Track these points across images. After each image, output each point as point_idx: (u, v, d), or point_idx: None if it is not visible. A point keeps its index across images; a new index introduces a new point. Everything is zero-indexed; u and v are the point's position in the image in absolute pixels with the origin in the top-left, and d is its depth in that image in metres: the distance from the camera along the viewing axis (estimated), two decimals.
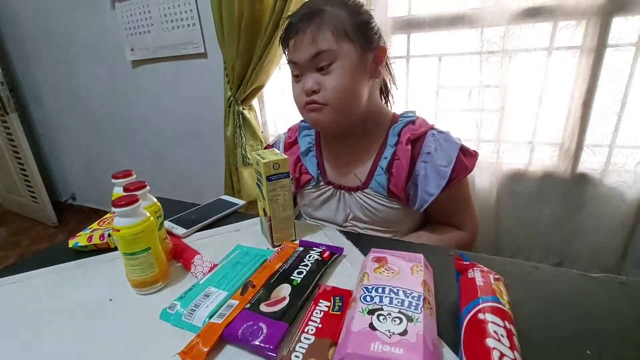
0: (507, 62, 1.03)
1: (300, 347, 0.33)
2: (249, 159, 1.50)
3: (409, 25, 1.16)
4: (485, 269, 0.40)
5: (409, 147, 0.63)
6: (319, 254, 0.49)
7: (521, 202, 1.18)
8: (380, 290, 0.36)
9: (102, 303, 0.45)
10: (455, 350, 0.34)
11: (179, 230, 0.61)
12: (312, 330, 0.35)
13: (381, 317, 0.32)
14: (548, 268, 0.47)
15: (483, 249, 1.24)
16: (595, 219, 1.09)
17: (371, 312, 0.33)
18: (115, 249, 0.57)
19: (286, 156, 0.52)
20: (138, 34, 1.65)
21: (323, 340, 0.34)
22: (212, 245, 0.57)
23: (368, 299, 0.35)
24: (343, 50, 0.58)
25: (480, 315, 0.33)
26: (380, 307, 0.34)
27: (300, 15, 0.59)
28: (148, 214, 0.44)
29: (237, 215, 0.69)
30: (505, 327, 0.31)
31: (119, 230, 0.42)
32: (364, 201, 0.66)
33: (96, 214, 2.30)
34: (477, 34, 1.05)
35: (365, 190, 0.67)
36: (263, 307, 0.39)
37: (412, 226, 0.71)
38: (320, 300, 0.39)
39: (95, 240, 0.56)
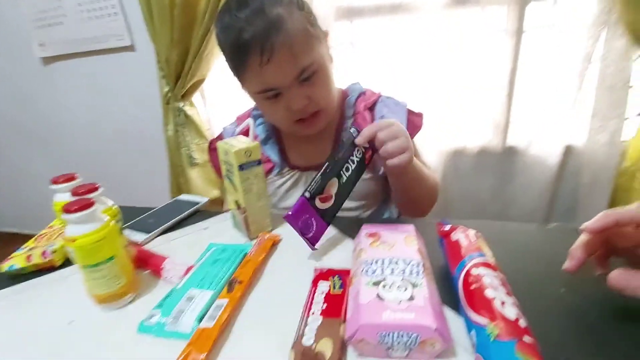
0: (444, 46, 1.11)
1: (309, 330, 0.32)
2: (195, 158, 1.41)
3: (350, 13, 1.18)
4: (466, 229, 0.42)
5: (367, 112, 0.67)
6: (362, 153, 0.50)
7: (464, 177, 1.28)
8: (380, 262, 0.36)
9: (61, 328, 0.38)
10: (454, 307, 0.35)
11: (139, 237, 0.54)
12: (318, 312, 0.34)
13: (386, 287, 0.32)
14: (512, 224, 0.52)
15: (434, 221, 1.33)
16: (526, 185, 1.23)
17: (376, 284, 0.33)
18: (62, 266, 0.50)
19: (257, 142, 0.49)
20: (47, 26, 1.44)
21: (331, 319, 0.33)
22: (179, 248, 0.52)
23: (370, 272, 0.35)
24: (318, 53, 0.56)
25: (474, 271, 0.34)
26: (383, 278, 0.34)
27: (253, 37, 0.50)
28: (108, 217, 0.39)
29: (201, 214, 0.64)
30: (498, 277, 0.34)
31: (74, 240, 0.36)
32: None
33: (22, 240, 1.96)
34: (415, 20, 1.10)
35: None
36: (317, 202, 0.45)
37: (381, 198, 0.74)
38: (320, 282, 0.38)
39: (36, 259, 0.48)
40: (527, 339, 0.27)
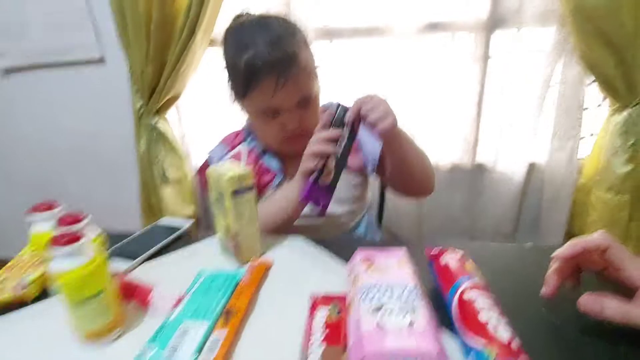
0: (417, 68, 1.17)
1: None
2: (168, 175, 1.37)
3: (328, 34, 1.22)
4: (454, 252, 0.44)
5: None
6: (351, 126, 0.56)
7: (437, 191, 1.33)
8: (376, 288, 0.37)
9: None
10: (447, 328, 0.37)
11: (121, 265, 0.52)
12: (317, 340, 0.34)
13: (386, 314, 0.33)
14: (491, 245, 0.55)
15: (409, 234, 1.37)
16: (493, 200, 1.30)
17: (375, 310, 0.34)
18: (34, 301, 0.46)
19: (249, 169, 0.49)
20: (8, 35, 1.36)
21: (332, 347, 0.33)
22: (166, 276, 0.50)
23: (368, 298, 0.35)
24: (316, 85, 0.66)
25: (466, 295, 0.36)
26: (382, 304, 0.35)
27: (272, 62, 0.57)
28: (96, 249, 0.37)
29: (186, 238, 0.63)
30: (489, 299, 0.36)
31: (62, 276, 0.34)
32: None
33: None
34: (390, 43, 1.16)
35: None
36: (321, 180, 0.55)
37: (365, 204, 0.80)
38: (317, 309, 0.39)
39: (6, 294, 0.44)
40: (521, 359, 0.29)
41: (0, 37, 1.37)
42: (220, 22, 1.19)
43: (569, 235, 1.24)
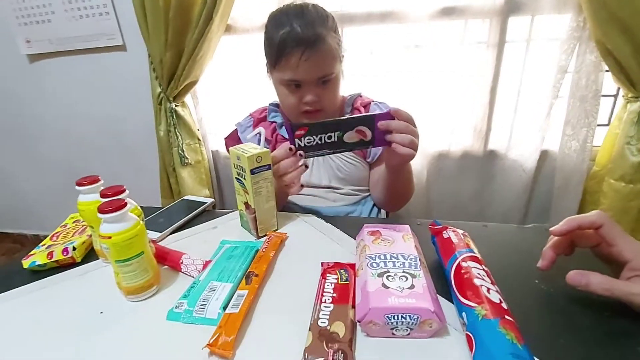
0: (430, 55, 1.17)
1: (323, 315, 0.37)
2: (187, 158, 1.43)
3: (342, 20, 1.23)
4: (455, 229, 0.48)
5: (362, 109, 0.82)
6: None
7: (446, 178, 1.36)
8: (382, 257, 0.41)
9: (94, 317, 0.41)
10: (445, 295, 0.41)
11: (152, 235, 0.58)
12: (329, 300, 0.39)
13: (390, 278, 0.38)
14: (493, 225, 0.58)
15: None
16: (504, 187, 1.31)
17: (380, 275, 0.38)
18: (81, 263, 0.53)
19: (267, 149, 0.53)
20: (35, 22, 1.42)
21: (341, 305, 0.38)
22: (193, 245, 0.56)
23: (374, 264, 0.40)
24: (338, 68, 0.72)
25: (463, 264, 0.40)
26: (387, 270, 0.39)
27: (301, 38, 0.65)
28: (137, 218, 0.42)
29: (208, 214, 0.68)
30: (483, 269, 0.39)
31: (110, 237, 0.39)
32: (335, 162, 0.81)
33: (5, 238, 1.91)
34: (404, 29, 1.17)
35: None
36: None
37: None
38: (328, 275, 0.43)
39: (58, 256, 0.50)
40: (508, 317, 0.33)
41: (27, 25, 1.43)
42: (235, 9, 1.22)
43: None
